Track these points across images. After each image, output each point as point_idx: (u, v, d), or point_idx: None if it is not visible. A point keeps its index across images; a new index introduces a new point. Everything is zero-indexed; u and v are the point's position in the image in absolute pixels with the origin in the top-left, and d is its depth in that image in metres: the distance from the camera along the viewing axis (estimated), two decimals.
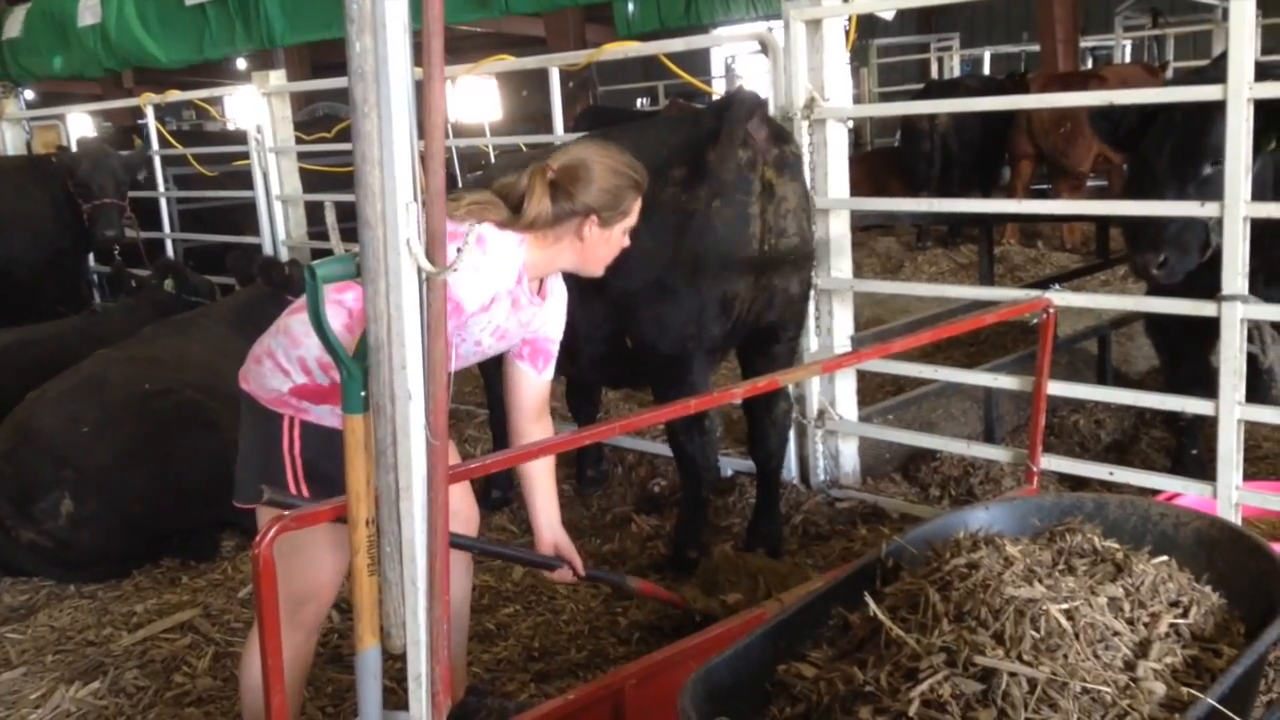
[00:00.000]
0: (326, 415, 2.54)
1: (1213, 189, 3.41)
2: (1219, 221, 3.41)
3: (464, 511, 2.86)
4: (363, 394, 1.99)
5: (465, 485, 2.93)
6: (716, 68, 18.89)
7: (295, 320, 2.58)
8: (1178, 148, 3.59)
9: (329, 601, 2.71)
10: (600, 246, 2.71)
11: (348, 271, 1.99)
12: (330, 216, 2.06)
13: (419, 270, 1.85)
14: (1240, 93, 3.18)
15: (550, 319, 2.81)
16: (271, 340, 2.62)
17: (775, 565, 3.47)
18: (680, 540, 4.04)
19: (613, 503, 4.74)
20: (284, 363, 2.56)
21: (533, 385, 2.84)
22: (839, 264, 4.39)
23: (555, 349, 2.86)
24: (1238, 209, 3.24)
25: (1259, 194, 3.38)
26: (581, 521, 4.56)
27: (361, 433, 2.02)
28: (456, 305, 2.45)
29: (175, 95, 7.72)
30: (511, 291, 2.62)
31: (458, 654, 2.95)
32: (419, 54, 1.80)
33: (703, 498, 4.03)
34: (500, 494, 4.73)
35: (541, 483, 2.85)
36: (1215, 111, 3.49)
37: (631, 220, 2.75)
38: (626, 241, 2.78)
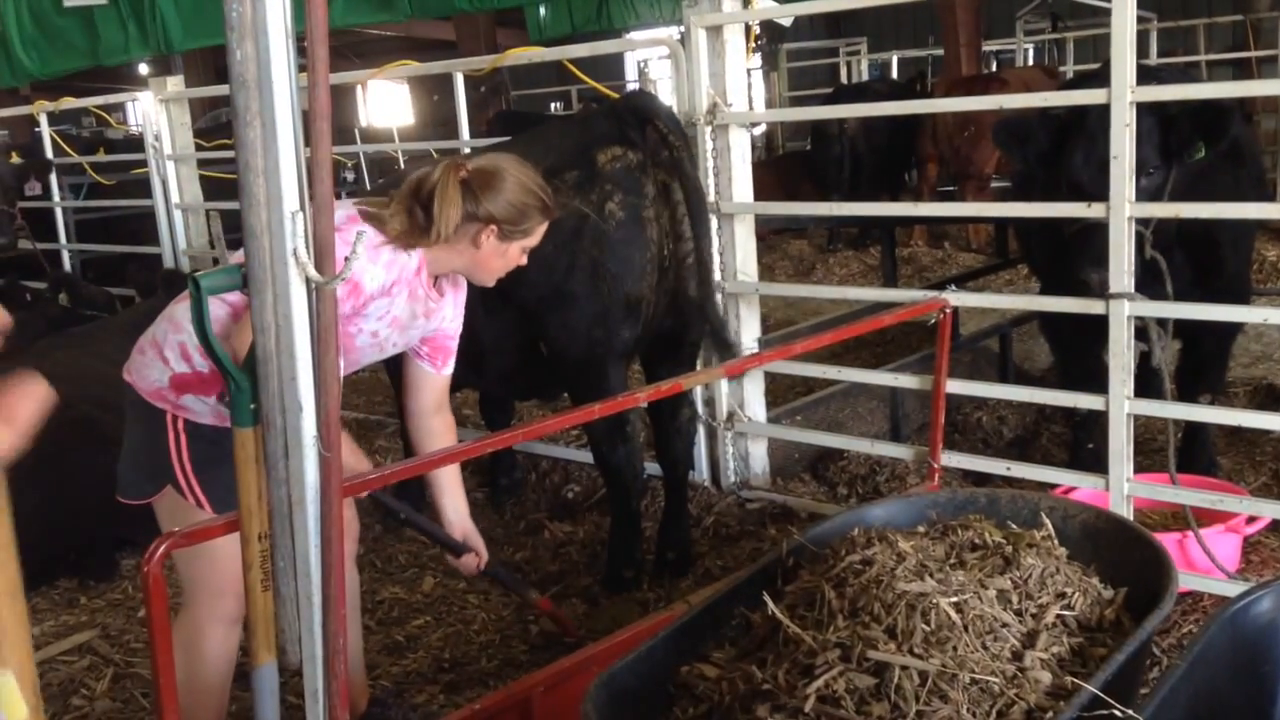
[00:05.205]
0: (206, 414, 2.50)
1: (1145, 197, 3.42)
2: (1154, 232, 3.42)
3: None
4: (252, 406, 1.96)
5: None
6: (631, 72, 18.97)
7: (180, 307, 2.54)
8: (1097, 164, 3.45)
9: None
10: (494, 258, 2.69)
11: (234, 282, 1.96)
12: (216, 226, 2.04)
13: (307, 280, 1.83)
14: (1123, 96, 3.28)
15: (449, 315, 2.81)
16: (155, 328, 2.58)
17: None
18: (615, 559, 3.89)
19: (526, 510, 4.72)
20: (165, 350, 2.52)
21: (433, 382, 2.86)
22: (745, 267, 4.43)
23: (454, 345, 2.87)
24: (1123, 210, 3.34)
25: (1183, 198, 3.46)
26: (494, 529, 4.53)
27: (252, 446, 1.99)
28: (355, 285, 2.44)
29: (70, 103, 7.51)
30: (410, 281, 2.59)
31: (355, 661, 2.91)
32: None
33: (634, 511, 3.88)
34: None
35: (447, 477, 2.88)
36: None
37: (532, 241, 2.73)
38: (523, 260, 2.77)
